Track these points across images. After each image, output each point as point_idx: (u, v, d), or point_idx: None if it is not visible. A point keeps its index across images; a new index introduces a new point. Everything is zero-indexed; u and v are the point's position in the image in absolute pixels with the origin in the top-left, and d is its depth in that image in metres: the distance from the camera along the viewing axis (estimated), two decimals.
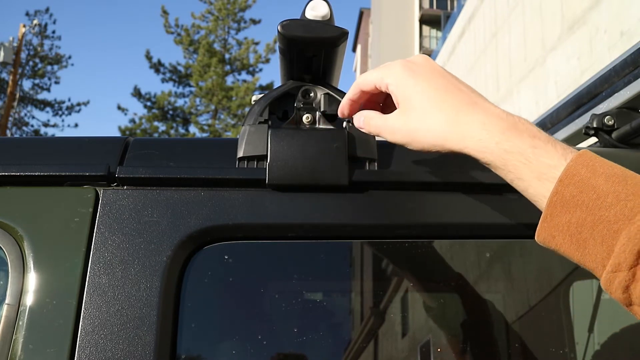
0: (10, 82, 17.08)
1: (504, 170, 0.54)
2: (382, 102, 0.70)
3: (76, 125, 22.60)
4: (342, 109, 0.69)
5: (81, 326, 0.60)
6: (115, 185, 0.67)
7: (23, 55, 19.48)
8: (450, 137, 0.55)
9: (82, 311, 0.61)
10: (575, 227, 0.48)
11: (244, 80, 19.32)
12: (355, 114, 0.67)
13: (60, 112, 21.67)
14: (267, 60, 19.45)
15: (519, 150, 0.52)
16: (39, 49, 21.19)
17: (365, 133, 0.70)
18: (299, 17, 0.68)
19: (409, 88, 0.59)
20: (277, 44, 0.70)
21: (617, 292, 0.46)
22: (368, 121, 0.65)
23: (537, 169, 0.51)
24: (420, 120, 0.57)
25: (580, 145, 1.06)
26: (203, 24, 19.59)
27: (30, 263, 0.63)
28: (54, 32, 24.23)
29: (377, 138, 0.71)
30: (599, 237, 0.46)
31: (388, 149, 0.72)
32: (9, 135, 17.58)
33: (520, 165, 0.52)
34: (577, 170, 0.49)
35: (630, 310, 0.47)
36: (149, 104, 19.36)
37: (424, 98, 0.57)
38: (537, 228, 0.51)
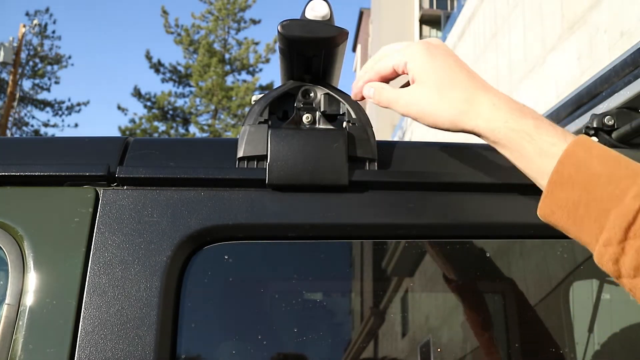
0: (10, 82, 17.08)
1: (509, 148, 0.59)
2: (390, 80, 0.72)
3: (76, 125, 22.60)
4: (357, 92, 0.70)
5: (81, 326, 0.60)
6: (115, 185, 0.67)
7: (23, 55, 19.47)
8: (463, 115, 0.61)
9: (82, 311, 0.61)
10: (572, 204, 0.53)
11: (244, 80, 19.31)
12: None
13: (60, 112, 21.66)
14: (267, 60, 19.44)
15: (524, 129, 0.57)
16: (39, 49, 21.18)
17: (365, 133, 0.70)
18: (299, 17, 0.68)
19: (426, 64, 0.63)
20: (277, 44, 0.70)
21: (608, 265, 0.50)
22: (380, 92, 0.67)
23: (539, 146, 0.56)
24: (436, 97, 0.62)
25: None
26: (203, 24, 19.58)
27: (30, 263, 0.63)
28: (54, 32, 24.15)
29: (377, 138, 0.71)
30: (593, 214, 0.51)
31: (388, 149, 0.72)
32: (9, 135, 17.58)
33: (524, 143, 0.57)
34: (575, 151, 0.54)
35: (619, 282, 0.51)
36: (149, 104, 19.35)
37: (440, 76, 0.62)
38: (539, 204, 0.56)
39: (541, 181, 0.56)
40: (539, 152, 0.56)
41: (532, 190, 0.71)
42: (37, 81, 21.35)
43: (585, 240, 0.52)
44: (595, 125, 0.90)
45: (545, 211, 0.55)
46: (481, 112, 0.59)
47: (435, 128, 0.63)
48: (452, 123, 0.61)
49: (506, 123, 0.58)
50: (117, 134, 16.39)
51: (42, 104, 21.36)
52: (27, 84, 21.02)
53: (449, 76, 0.62)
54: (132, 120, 19.13)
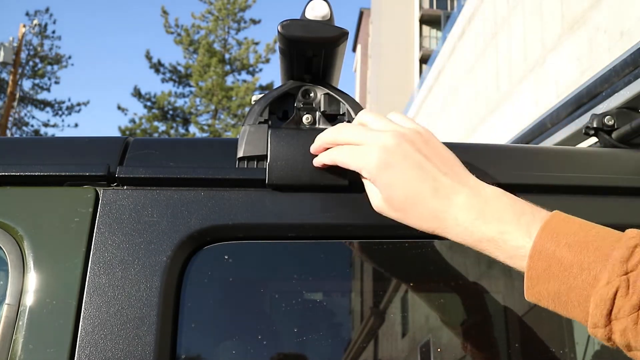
0: (10, 82, 17.09)
1: (482, 252, 0.60)
2: None
3: (76, 125, 22.64)
4: (317, 166, 0.68)
5: (81, 326, 0.60)
6: (115, 185, 0.67)
7: (23, 55, 19.48)
8: (434, 230, 0.62)
9: (82, 311, 0.61)
10: (554, 293, 0.54)
11: (244, 80, 19.33)
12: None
13: (60, 112, 21.68)
14: (267, 60, 19.46)
15: (489, 238, 0.58)
16: (39, 49, 21.19)
17: None
18: (299, 17, 0.68)
19: (386, 185, 0.62)
20: (277, 44, 0.70)
21: (603, 340, 0.52)
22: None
23: (507, 252, 0.57)
24: (404, 215, 0.63)
25: (580, 146, 1.06)
26: (203, 24, 19.60)
27: (30, 263, 0.63)
28: (54, 32, 24.20)
29: None
30: (575, 301, 0.53)
31: None
32: (9, 135, 17.58)
33: (493, 250, 0.59)
34: (543, 245, 0.54)
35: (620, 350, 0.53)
36: (149, 104, 19.37)
37: (403, 196, 0.62)
38: (524, 292, 0.57)
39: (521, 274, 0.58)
40: (509, 256, 0.57)
41: (532, 190, 0.72)
42: (37, 81, 21.37)
43: (577, 320, 0.54)
44: (595, 125, 0.90)
45: (532, 299, 0.57)
46: (448, 228, 0.60)
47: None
48: (426, 230, 0.62)
49: (472, 235, 0.59)
50: (117, 134, 16.39)
51: (42, 104, 21.37)
52: (27, 84, 21.06)
53: (411, 193, 0.61)
54: (132, 120, 19.16)
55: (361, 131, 0.65)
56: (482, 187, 0.61)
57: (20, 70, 18.52)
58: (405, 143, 0.63)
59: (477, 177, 0.63)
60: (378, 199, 0.64)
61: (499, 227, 0.58)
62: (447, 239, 0.62)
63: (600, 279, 0.51)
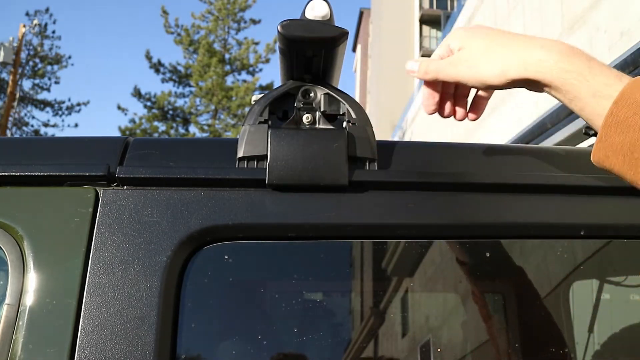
0: (10, 82, 17.08)
1: (561, 89, 0.57)
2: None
3: (76, 125, 22.61)
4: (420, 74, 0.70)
5: (81, 326, 0.60)
6: (115, 185, 0.67)
7: (23, 55, 19.46)
8: (511, 64, 0.60)
9: (82, 311, 0.61)
10: (628, 147, 0.51)
11: (244, 80, 19.30)
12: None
13: (60, 112, 21.66)
14: (267, 60, 19.43)
15: (577, 69, 0.56)
16: (39, 49, 21.17)
17: (365, 133, 0.70)
18: (299, 17, 0.68)
19: (472, 33, 0.65)
20: (277, 44, 0.70)
21: None
22: (426, 64, 0.68)
23: (593, 87, 0.55)
24: (485, 51, 0.62)
25: (580, 146, 1.06)
26: (203, 24, 19.57)
27: (30, 263, 0.63)
28: (54, 32, 24.21)
29: (377, 138, 0.71)
30: None
31: (388, 149, 0.72)
32: (9, 135, 17.58)
33: (578, 84, 0.56)
34: (632, 93, 0.52)
35: None
36: (149, 104, 19.35)
37: (487, 37, 0.63)
38: (593, 149, 0.55)
39: (596, 122, 0.55)
40: (592, 93, 0.55)
41: (532, 190, 0.72)
42: (37, 81, 21.35)
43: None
44: None
45: (599, 156, 0.54)
46: (530, 55, 0.59)
47: (485, 86, 0.63)
48: (501, 73, 0.60)
49: (558, 63, 0.57)
50: (117, 134, 16.39)
51: (42, 104, 21.35)
52: (27, 84, 21.03)
53: (495, 35, 0.63)
54: (132, 120, 19.12)
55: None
56: None
57: (20, 70, 18.51)
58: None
59: (478, 176, 0.63)
60: (455, 56, 0.65)
61: (588, 62, 0.56)
62: (521, 80, 0.60)
63: None
